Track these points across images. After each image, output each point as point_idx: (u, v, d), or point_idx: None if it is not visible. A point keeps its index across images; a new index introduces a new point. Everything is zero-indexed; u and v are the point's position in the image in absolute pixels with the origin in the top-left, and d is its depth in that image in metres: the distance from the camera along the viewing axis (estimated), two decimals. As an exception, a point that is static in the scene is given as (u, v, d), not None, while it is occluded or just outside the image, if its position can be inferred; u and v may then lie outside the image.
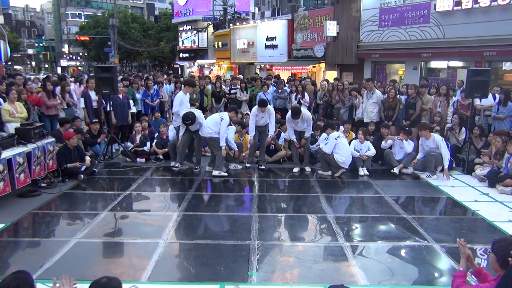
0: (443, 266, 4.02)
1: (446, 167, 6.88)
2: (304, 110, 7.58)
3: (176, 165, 7.35)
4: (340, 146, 7.10)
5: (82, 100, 8.81)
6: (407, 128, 7.75)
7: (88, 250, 4.29)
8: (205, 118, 7.55)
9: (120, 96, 8.87)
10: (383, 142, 7.70)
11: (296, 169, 7.47)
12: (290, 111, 7.55)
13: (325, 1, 21.07)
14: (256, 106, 7.66)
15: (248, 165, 7.76)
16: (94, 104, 8.78)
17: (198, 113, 7.24)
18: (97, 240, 4.50)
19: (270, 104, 10.46)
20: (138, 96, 9.99)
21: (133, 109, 9.51)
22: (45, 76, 15.58)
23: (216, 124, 7.05)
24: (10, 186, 5.48)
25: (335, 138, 7.12)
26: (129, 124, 9.25)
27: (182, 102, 7.39)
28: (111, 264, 4.06)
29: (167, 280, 3.66)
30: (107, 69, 7.95)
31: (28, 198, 5.80)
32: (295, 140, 7.48)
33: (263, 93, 10.50)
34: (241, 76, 15.89)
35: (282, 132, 8.22)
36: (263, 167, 7.58)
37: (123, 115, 9.00)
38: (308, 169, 7.55)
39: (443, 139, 7.19)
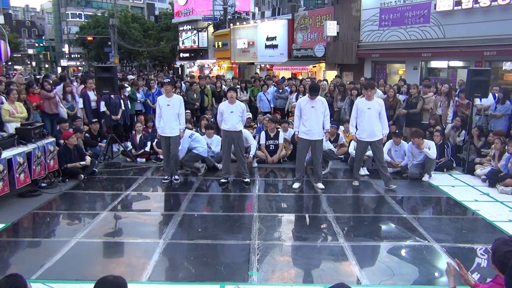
0: (444, 266, 4.01)
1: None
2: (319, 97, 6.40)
3: (166, 177, 6.68)
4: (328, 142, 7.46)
5: (80, 100, 8.80)
6: (397, 131, 7.71)
7: (89, 250, 4.30)
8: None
9: (112, 96, 8.66)
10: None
11: (296, 185, 6.43)
12: (301, 99, 6.53)
13: (325, 1, 21.02)
14: (225, 102, 6.55)
15: (223, 180, 6.54)
16: (93, 104, 8.77)
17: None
18: (98, 240, 4.51)
19: (270, 104, 10.52)
20: (139, 96, 9.98)
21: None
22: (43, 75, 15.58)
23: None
24: (9, 186, 5.48)
25: None
26: (121, 124, 9.19)
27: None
28: (111, 264, 4.06)
29: (167, 280, 3.67)
30: (108, 69, 7.95)
31: (28, 198, 5.81)
32: (297, 131, 6.34)
33: (263, 93, 10.51)
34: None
35: (281, 131, 8.19)
36: (247, 180, 6.61)
37: (115, 115, 8.95)
38: (320, 186, 6.41)
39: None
